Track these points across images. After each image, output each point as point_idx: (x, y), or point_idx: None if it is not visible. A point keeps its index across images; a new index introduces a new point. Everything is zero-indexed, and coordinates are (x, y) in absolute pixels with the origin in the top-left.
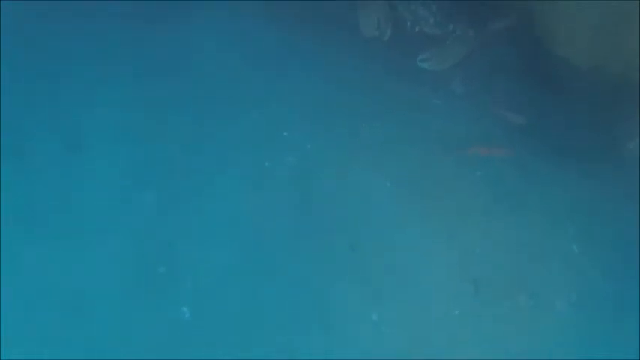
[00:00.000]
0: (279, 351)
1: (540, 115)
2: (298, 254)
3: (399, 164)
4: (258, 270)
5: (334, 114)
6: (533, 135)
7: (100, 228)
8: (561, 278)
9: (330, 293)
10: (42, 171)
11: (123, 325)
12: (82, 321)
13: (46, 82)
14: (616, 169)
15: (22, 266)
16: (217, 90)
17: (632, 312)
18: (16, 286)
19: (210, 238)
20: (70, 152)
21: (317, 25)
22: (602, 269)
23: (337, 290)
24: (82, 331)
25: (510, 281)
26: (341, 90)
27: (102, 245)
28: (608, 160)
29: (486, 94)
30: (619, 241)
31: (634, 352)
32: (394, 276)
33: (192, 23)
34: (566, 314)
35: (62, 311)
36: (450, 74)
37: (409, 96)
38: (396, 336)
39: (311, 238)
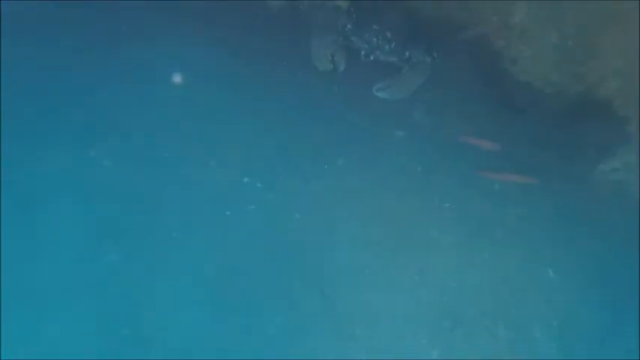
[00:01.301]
0: None
1: (509, 141)
2: (268, 306)
3: (366, 202)
4: (227, 327)
5: (294, 155)
6: (502, 162)
7: (62, 290)
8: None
9: (303, 343)
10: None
11: None
12: None
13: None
14: (589, 191)
15: None
16: (174, 139)
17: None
18: None
19: (176, 296)
20: (29, 212)
21: (270, 63)
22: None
23: (310, 339)
24: None
25: (487, 316)
26: (299, 129)
27: (65, 307)
28: (580, 183)
29: (451, 122)
30: (594, 265)
31: None
32: (368, 319)
33: (150, 80)
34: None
35: None
36: (411, 103)
37: (371, 129)
38: None
39: (279, 288)
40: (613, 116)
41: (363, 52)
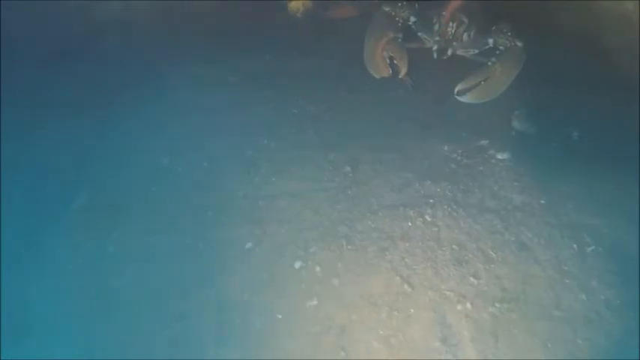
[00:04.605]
0: None
1: None
2: None
3: (475, 260)
4: None
5: (362, 203)
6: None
7: None
8: None
9: None
10: None
11: None
12: None
13: None
14: None
15: None
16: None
17: None
18: None
19: None
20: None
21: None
22: None
23: None
24: None
25: None
26: (367, 164)
27: None
28: None
29: (566, 127)
30: None
31: None
32: None
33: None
34: None
35: None
36: (507, 106)
37: (461, 156)
38: None
39: None
40: None
41: (435, 49)
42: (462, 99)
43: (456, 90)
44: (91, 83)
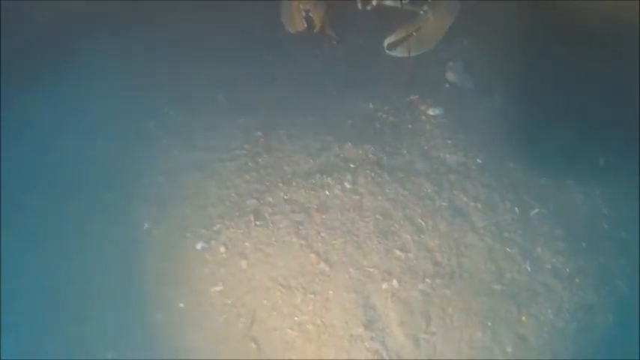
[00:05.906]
0: None
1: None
2: None
3: (400, 231)
4: None
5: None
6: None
7: None
8: None
9: None
10: None
11: None
12: None
13: None
14: None
15: None
16: None
17: None
18: None
19: None
20: None
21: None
22: None
23: None
24: None
25: None
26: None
27: None
28: None
29: (504, 79)
30: None
31: None
32: None
33: None
34: None
35: None
36: (441, 57)
37: (390, 114)
38: None
39: None
40: None
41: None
42: (393, 53)
43: (385, 43)
44: None
